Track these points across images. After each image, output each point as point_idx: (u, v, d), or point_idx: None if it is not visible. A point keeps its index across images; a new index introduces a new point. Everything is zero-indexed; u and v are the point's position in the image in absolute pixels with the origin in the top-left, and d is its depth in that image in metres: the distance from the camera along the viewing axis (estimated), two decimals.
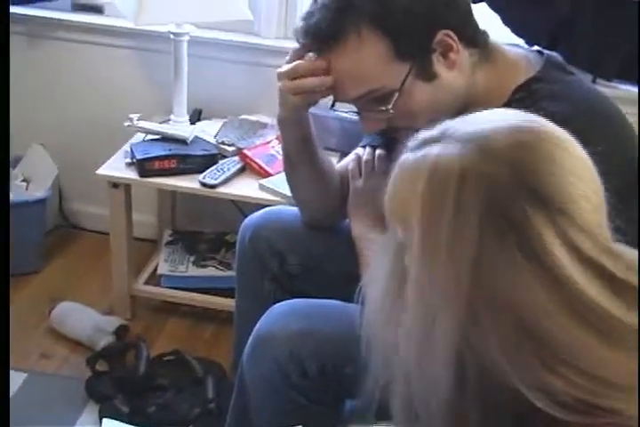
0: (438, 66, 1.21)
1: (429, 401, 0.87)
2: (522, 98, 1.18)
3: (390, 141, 1.49)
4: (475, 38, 1.25)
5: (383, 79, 1.20)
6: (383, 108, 1.22)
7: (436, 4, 1.19)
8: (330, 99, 1.35)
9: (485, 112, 0.88)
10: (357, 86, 1.23)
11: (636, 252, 0.84)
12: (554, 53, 1.29)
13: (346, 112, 1.35)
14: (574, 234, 0.78)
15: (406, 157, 0.87)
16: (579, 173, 0.81)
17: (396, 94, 1.21)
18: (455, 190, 0.79)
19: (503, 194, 0.78)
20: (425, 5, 1.18)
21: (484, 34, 1.27)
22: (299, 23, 1.26)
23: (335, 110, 1.37)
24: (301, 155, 1.46)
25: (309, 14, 1.23)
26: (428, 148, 0.84)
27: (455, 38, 1.20)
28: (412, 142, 0.88)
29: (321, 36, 1.22)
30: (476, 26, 1.26)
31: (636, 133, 1.21)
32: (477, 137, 0.82)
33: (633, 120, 1.24)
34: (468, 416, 0.84)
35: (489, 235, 0.78)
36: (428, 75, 1.21)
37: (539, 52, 1.30)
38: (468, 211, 0.78)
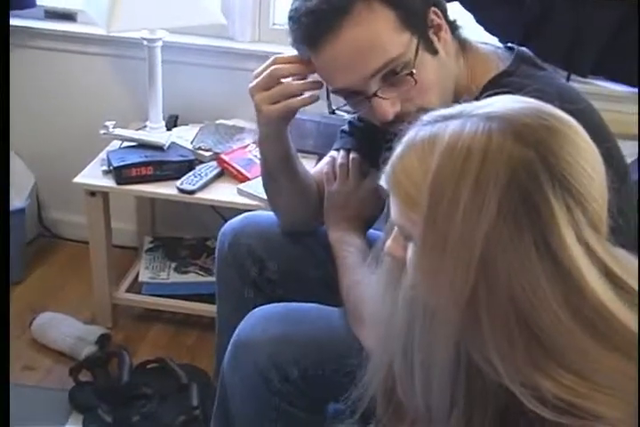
0: (435, 41, 1.21)
1: (424, 398, 0.87)
2: (493, 92, 1.17)
3: (364, 144, 1.48)
4: (454, 25, 1.26)
5: (398, 47, 1.17)
6: (409, 72, 1.18)
7: None
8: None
9: (503, 96, 0.86)
10: (375, 57, 1.18)
11: (629, 255, 0.84)
12: (524, 49, 1.29)
13: (347, 112, 1.33)
14: (587, 229, 0.77)
15: (418, 130, 0.83)
16: (594, 165, 0.80)
17: (411, 66, 1.18)
18: (475, 169, 0.76)
19: (527, 177, 0.75)
20: None
21: (458, 26, 1.29)
22: (293, 9, 1.21)
23: (336, 113, 1.32)
24: (282, 171, 1.45)
25: None
26: (446, 122, 0.81)
27: (443, 18, 1.22)
28: (425, 117, 0.85)
29: (329, 11, 1.16)
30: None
31: (608, 128, 1.21)
32: (502, 116, 0.79)
33: (607, 117, 1.23)
34: (456, 413, 0.84)
35: (504, 219, 0.75)
36: (433, 49, 1.21)
37: (509, 48, 1.30)
38: (487, 192, 0.75)
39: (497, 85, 1.15)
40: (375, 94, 1.21)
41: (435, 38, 1.21)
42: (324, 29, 1.18)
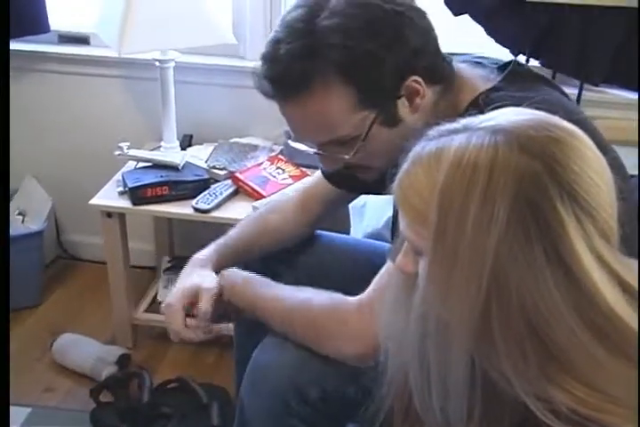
0: (403, 111, 1.18)
1: (441, 411, 0.86)
2: (475, 109, 1.06)
3: None
4: (440, 76, 1.21)
5: (348, 128, 1.17)
6: (345, 156, 1.20)
7: (405, 53, 1.14)
8: None
9: (506, 109, 0.85)
10: (321, 134, 1.20)
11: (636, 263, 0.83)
12: (520, 64, 1.26)
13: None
14: (597, 239, 0.77)
15: (423, 145, 0.83)
16: (601, 174, 0.79)
17: (360, 140, 1.18)
18: (483, 182, 0.75)
19: (535, 189, 0.75)
20: (394, 54, 1.13)
21: (449, 63, 1.23)
22: (260, 65, 1.18)
23: (292, 142, 1.33)
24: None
25: (273, 58, 1.16)
26: (451, 137, 0.81)
27: (422, 83, 1.17)
28: (431, 132, 0.85)
29: (287, 83, 1.15)
30: (442, 61, 1.22)
31: (604, 139, 1.17)
32: (507, 129, 0.78)
33: (621, 125, 1.22)
34: (473, 425, 0.83)
35: (514, 232, 0.75)
36: (393, 121, 1.18)
37: (505, 65, 1.25)
38: (495, 205, 0.75)
39: (483, 102, 1.13)
40: (318, 153, 1.24)
41: (405, 104, 1.18)
42: (279, 97, 1.18)
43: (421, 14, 1.18)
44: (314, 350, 1.26)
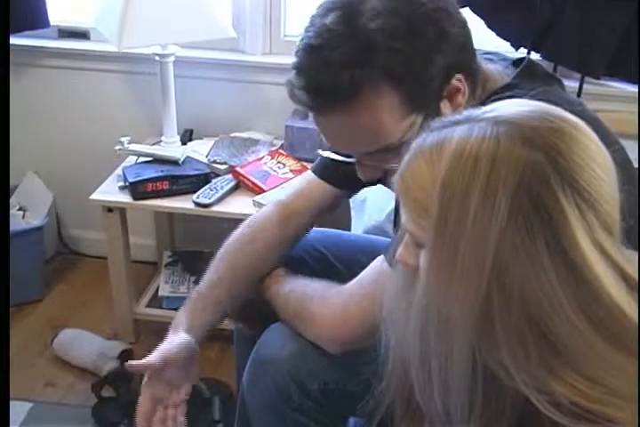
0: (444, 109, 1.13)
1: (443, 403, 0.86)
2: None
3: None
4: (476, 72, 1.18)
5: (398, 134, 1.12)
6: (393, 165, 1.08)
7: (451, 49, 1.09)
8: None
9: (509, 100, 0.85)
10: (370, 144, 1.13)
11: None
12: (534, 62, 1.23)
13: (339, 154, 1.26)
14: (599, 231, 0.77)
15: (425, 136, 0.83)
16: (604, 166, 0.79)
17: (408, 146, 1.14)
18: (485, 173, 0.75)
19: (537, 180, 0.74)
20: (441, 52, 1.08)
21: (478, 59, 1.20)
22: (296, 77, 1.09)
23: (323, 152, 1.28)
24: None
25: (313, 67, 1.08)
26: (453, 128, 0.80)
27: (463, 80, 1.13)
28: (433, 124, 0.84)
29: (332, 94, 1.07)
30: (476, 57, 1.19)
31: (608, 131, 1.16)
32: (509, 120, 0.78)
33: (622, 118, 1.21)
34: (475, 418, 0.83)
35: (516, 224, 0.74)
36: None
37: (518, 61, 1.24)
38: (497, 196, 0.74)
39: (495, 98, 1.11)
40: (360, 162, 1.18)
41: (446, 104, 1.13)
42: (321, 108, 1.12)
43: (457, 7, 1.14)
44: (300, 333, 1.28)
